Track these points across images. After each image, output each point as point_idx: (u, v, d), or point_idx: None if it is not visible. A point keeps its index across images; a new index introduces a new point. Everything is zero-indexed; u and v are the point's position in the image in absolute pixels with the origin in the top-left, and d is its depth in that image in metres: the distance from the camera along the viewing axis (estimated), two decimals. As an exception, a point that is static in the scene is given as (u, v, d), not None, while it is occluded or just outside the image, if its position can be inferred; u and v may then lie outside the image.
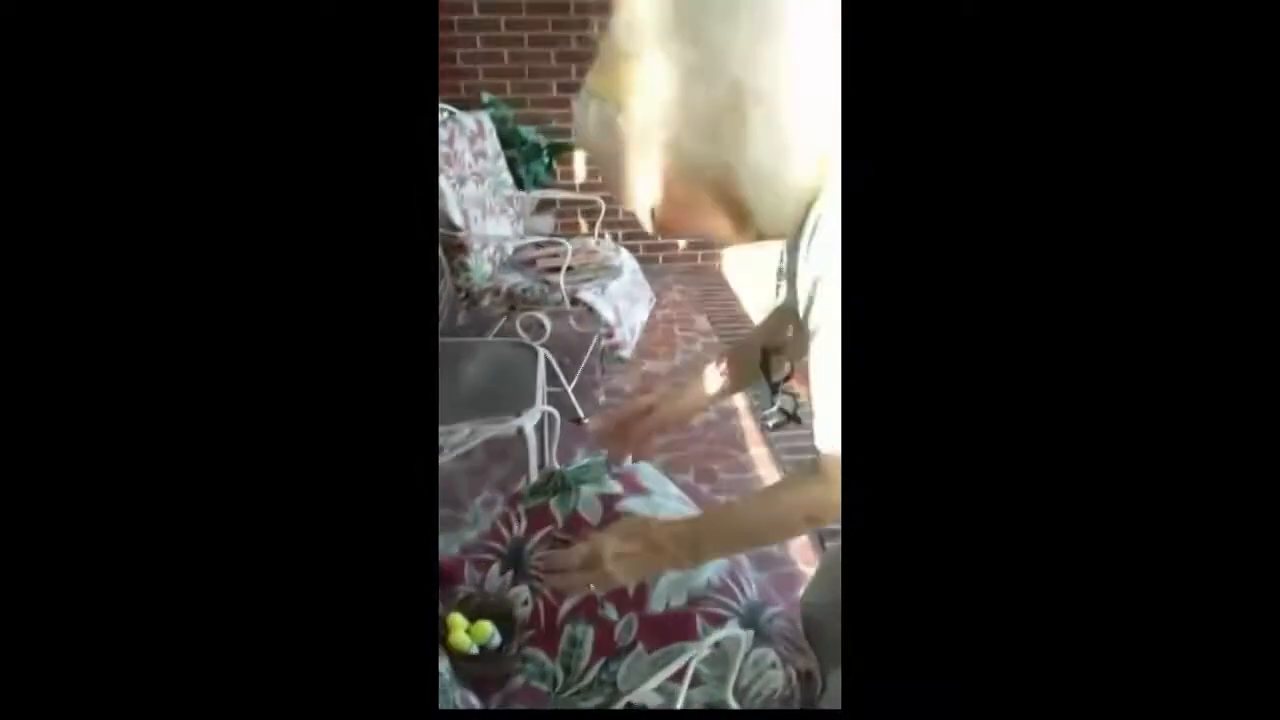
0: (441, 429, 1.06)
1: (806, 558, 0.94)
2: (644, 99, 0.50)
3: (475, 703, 0.80)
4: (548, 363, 1.78)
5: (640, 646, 0.85)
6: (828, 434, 0.56)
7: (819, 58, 0.49)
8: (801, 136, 0.51)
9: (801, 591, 0.90)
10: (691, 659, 0.67)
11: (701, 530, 0.73)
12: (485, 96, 2.94)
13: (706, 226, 0.56)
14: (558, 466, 1.16)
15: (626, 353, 2.11)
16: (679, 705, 0.66)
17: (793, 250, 0.58)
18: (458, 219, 1.94)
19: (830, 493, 0.57)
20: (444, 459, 1.02)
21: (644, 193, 0.55)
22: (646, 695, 0.65)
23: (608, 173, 0.56)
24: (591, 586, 0.78)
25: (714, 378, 0.93)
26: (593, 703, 0.80)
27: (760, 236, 0.56)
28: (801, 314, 0.56)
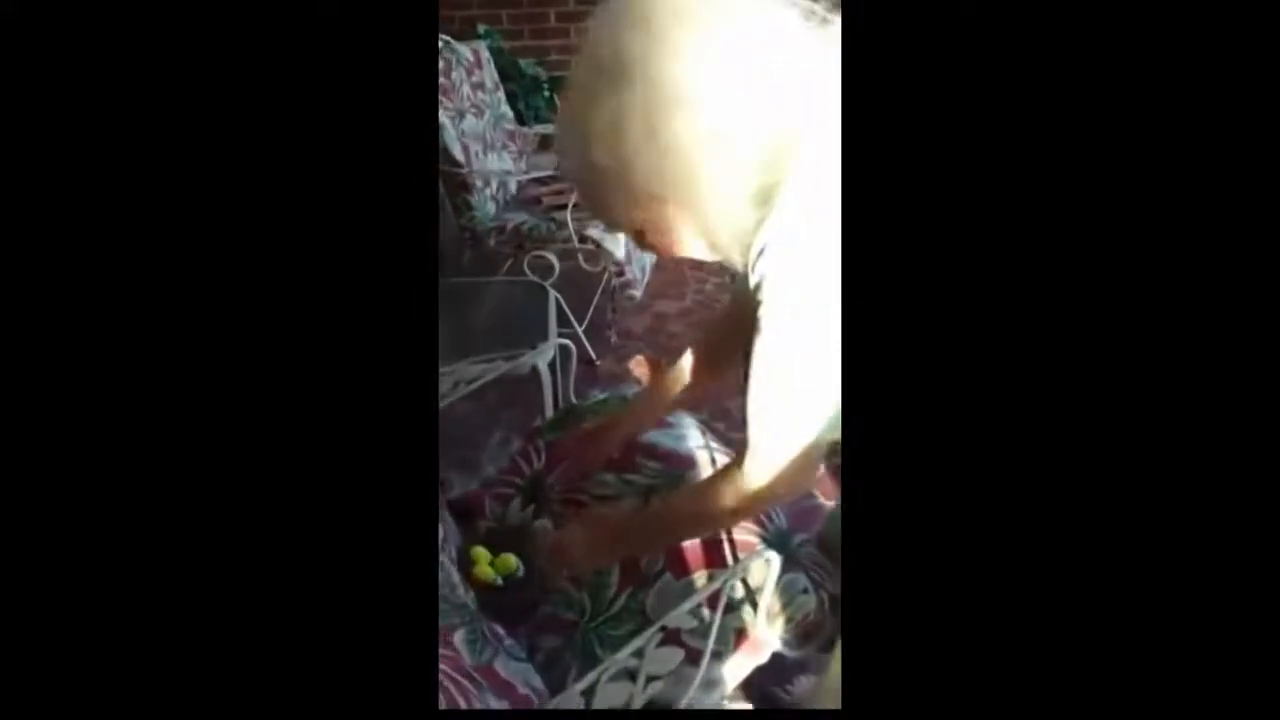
0: (453, 366, 1.03)
1: (826, 491, 0.93)
2: (608, 133, 0.52)
3: (502, 633, 0.79)
4: (558, 303, 1.74)
5: (668, 575, 0.84)
6: (759, 427, 0.59)
7: (778, 94, 0.51)
8: (756, 170, 0.53)
9: (823, 524, 0.89)
10: (725, 582, 0.65)
11: (640, 524, 0.79)
12: (480, 28, 2.81)
13: (685, 248, 0.59)
14: (574, 401, 1.14)
15: (637, 292, 2.06)
16: (713, 631, 0.65)
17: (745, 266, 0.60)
18: (458, 154, 1.87)
19: (750, 484, 0.61)
20: (456, 397, 0.99)
21: (624, 219, 0.58)
22: (680, 618, 0.64)
23: (586, 201, 0.59)
24: (563, 573, 0.81)
25: (669, 383, 0.92)
26: (623, 630, 0.79)
27: (723, 256, 0.59)
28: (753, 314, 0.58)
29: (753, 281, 0.56)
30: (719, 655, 0.72)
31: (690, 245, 0.59)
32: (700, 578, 0.81)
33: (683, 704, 0.62)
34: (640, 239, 0.61)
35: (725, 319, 0.92)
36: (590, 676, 0.58)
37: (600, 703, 0.57)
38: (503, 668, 0.63)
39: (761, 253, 0.55)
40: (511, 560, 0.88)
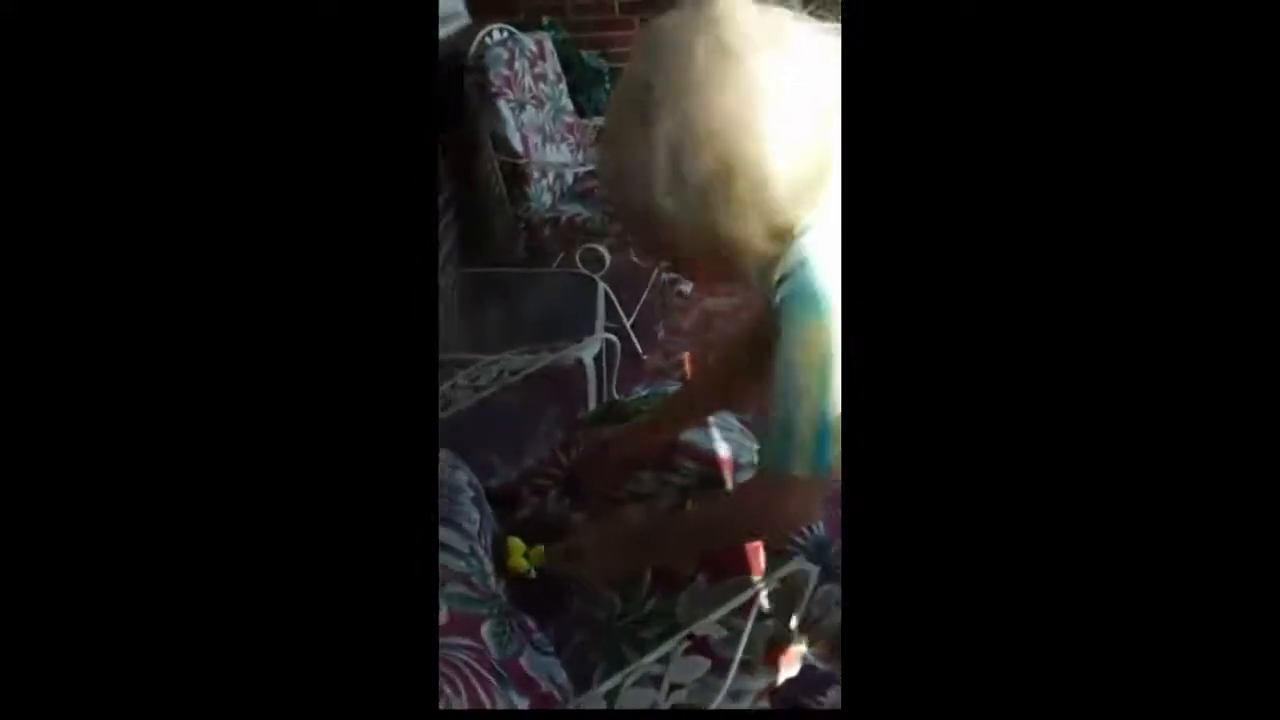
0: (499, 356, 1.04)
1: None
2: (638, 172, 0.53)
3: (532, 626, 0.80)
4: (607, 296, 1.74)
5: (701, 579, 0.82)
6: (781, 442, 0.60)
7: (806, 126, 0.52)
8: (783, 205, 0.54)
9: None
10: (759, 592, 0.64)
11: (663, 532, 0.79)
12: (545, 19, 2.82)
13: (710, 279, 0.67)
14: (617, 396, 1.14)
15: (687, 288, 2.04)
16: (743, 640, 0.64)
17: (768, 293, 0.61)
18: (517, 145, 1.89)
19: (780, 505, 0.63)
20: (499, 386, 1.00)
21: (653, 251, 0.64)
22: (709, 627, 0.62)
23: (631, 235, 0.67)
24: (581, 575, 0.81)
25: (712, 383, 0.92)
26: (651, 633, 0.78)
27: (746, 285, 0.64)
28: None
29: (774, 304, 0.59)
30: (748, 665, 0.70)
31: (716, 276, 0.63)
32: (734, 585, 0.80)
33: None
34: (670, 268, 0.65)
35: (753, 330, 0.91)
36: (615, 679, 0.58)
37: (624, 704, 0.56)
38: (528, 662, 0.63)
39: (782, 280, 0.57)
40: (545, 552, 0.88)
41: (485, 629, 0.63)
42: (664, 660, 0.58)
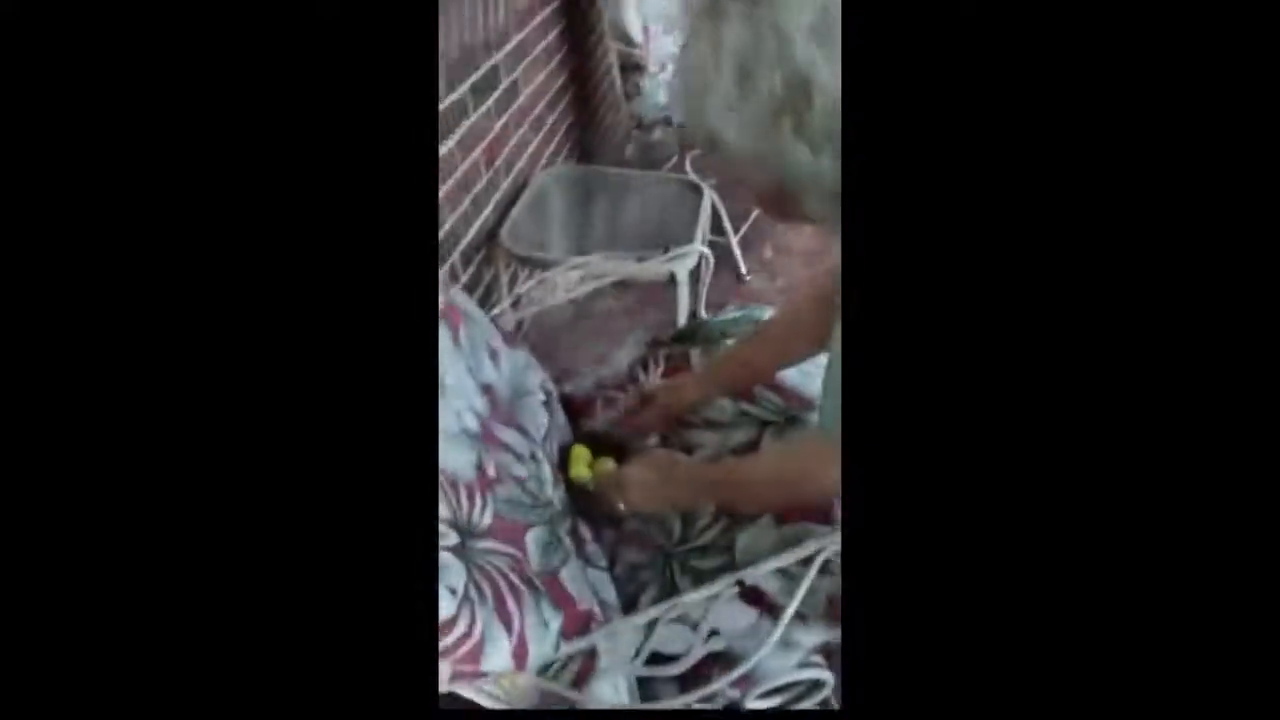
0: (586, 259, 0.99)
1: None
2: (706, 85, 0.48)
3: (587, 536, 0.78)
4: (714, 208, 1.63)
5: (769, 518, 0.77)
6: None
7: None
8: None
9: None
10: (824, 548, 0.57)
11: (716, 478, 0.73)
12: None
13: (796, 216, 0.55)
14: (705, 316, 1.07)
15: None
16: (802, 590, 0.58)
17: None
18: (636, 33, 1.75)
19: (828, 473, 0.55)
20: (581, 291, 0.96)
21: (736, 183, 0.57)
22: (763, 578, 0.57)
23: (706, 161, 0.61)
24: (620, 506, 0.76)
25: (776, 340, 0.82)
26: (709, 564, 0.75)
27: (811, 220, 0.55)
28: None
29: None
30: (803, 618, 0.65)
31: (782, 212, 0.54)
32: (802, 531, 0.74)
33: (752, 661, 0.57)
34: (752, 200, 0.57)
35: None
36: (652, 612, 0.54)
37: (658, 643, 0.53)
38: (569, 577, 0.61)
39: None
40: (610, 465, 0.85)
41: (530, 537, 0.61)
42: (710, 602, 0.54)
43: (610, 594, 0.72)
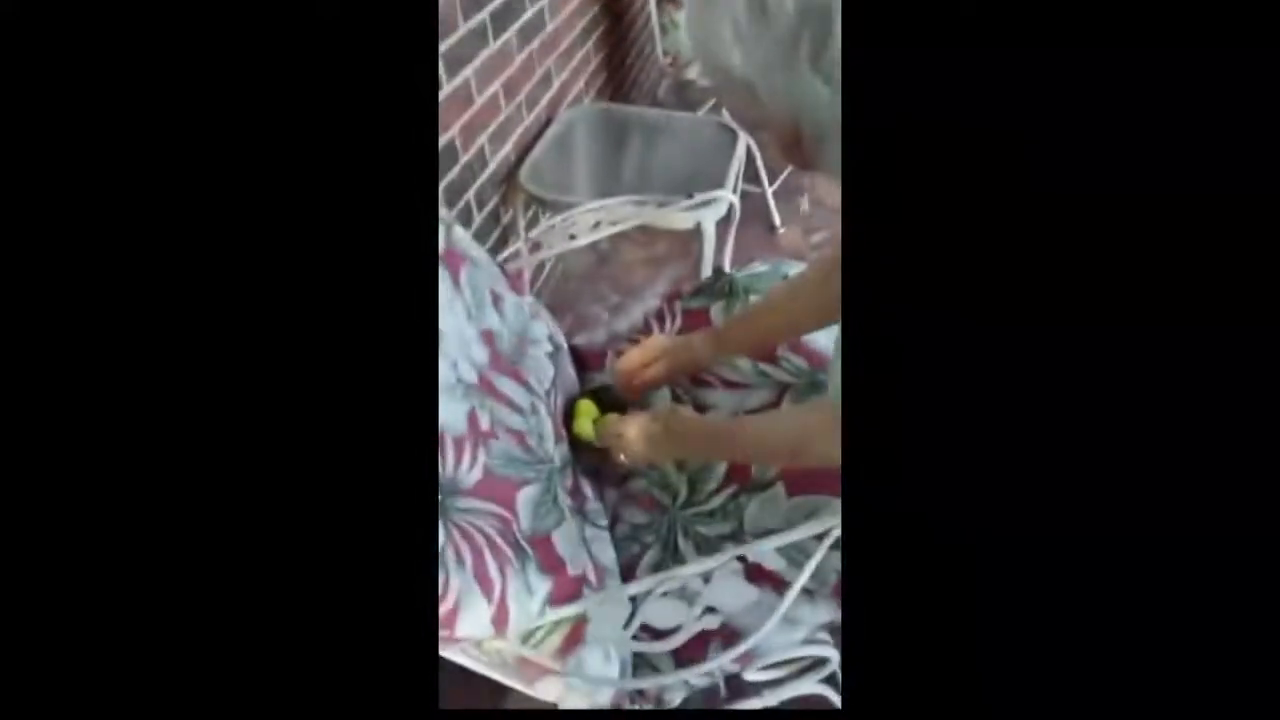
0: (603, 203, 0.93)
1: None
2: (719, 11, 0.43)
3: (589, 494, 0.75)
4: (749, 153, 1.53)
5: (780, 486, 0.73)
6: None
7: None
8: None
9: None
10: (835, 526, 0.53)
11: (721, 435, 0.69)
12: None
13: (813, 165, 0.49)
14: (729, 269, 1.00)
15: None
16: (811, 566, 0.54)
17: None
18: (675, -38, 1.63)
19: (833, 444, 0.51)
20: (597, 236, 0.90)
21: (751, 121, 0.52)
22: (768, 555, 0.53)
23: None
24: (621, 457, 0.73)
25: (803, 301, 0.74)
26: (714, 531, 0.71)
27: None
28: None
29: None
30: (810, 594, 0.61)
31: (798, 160, 0.48)
32: (815, 504, 0.69)
33: (753, 640, 0.53)
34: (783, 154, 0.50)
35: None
36: (647, 582, 0.50)
37: (650, 616, 0.50)
38: (562, 539, 0.58)
39: None
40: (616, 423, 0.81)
41: (522, 495, 0.58)
42: (706, 577, 0.50)
43: (608, 556, 0.69)
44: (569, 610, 0.50)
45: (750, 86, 0.44)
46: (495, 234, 1.32)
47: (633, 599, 0.50)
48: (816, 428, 0.58)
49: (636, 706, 0.53)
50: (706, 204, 1.06)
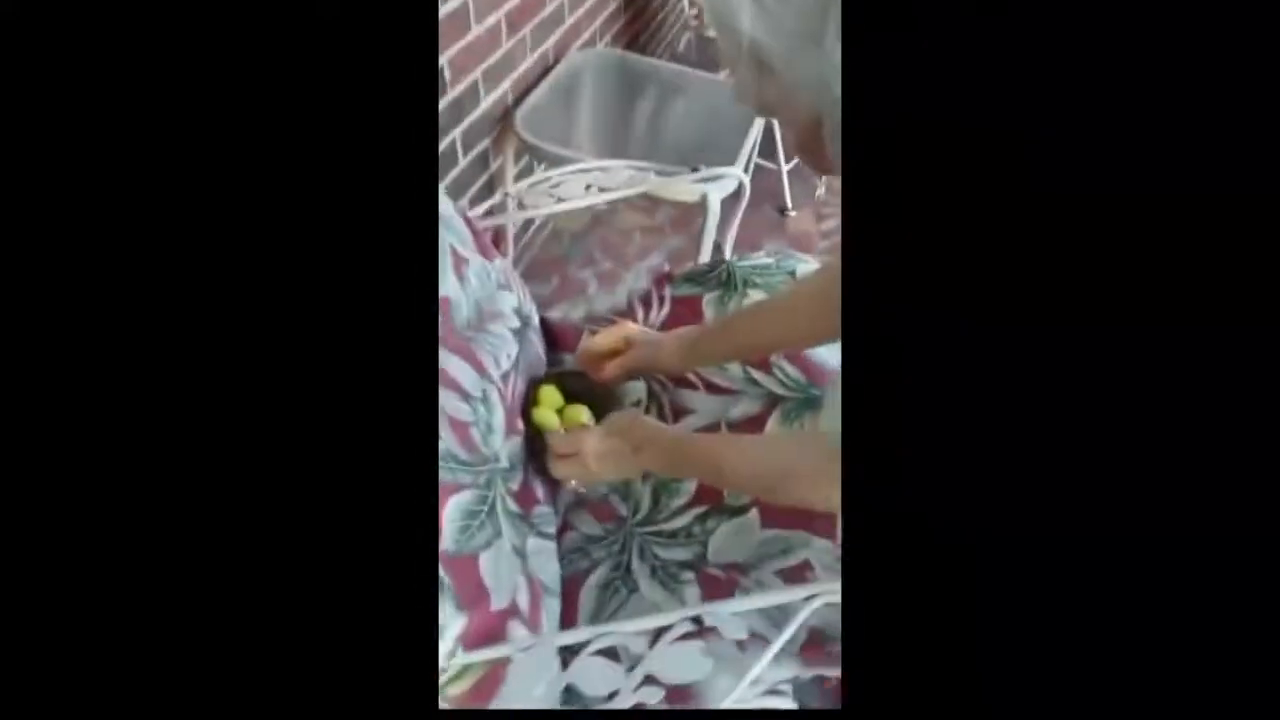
0: (605, 163, 0.82)
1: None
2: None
3: (541, 496, 0.66)
4: (768, 126, 1.42)
5: (754, 514, 0.64)
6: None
7: None
8: None
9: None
10: (818, 596, 0.44)
11: (687, 453, 0.60)
12: None
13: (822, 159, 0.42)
14: (729, 256, 0.91)
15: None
16: (777, 645, 0.46)
17: None
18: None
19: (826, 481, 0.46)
20: (585, 203, 0.79)
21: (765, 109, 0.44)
22: (728, 622, 0.44)
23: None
24: (573, 482, 0.66)
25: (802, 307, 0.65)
26: (673, 555, 0.63)
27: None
28: None
29: None
30: (776, 656, 0.53)
31: (810, 153, 0.41)
32: (791, 540, 0.61)
33: (701, 704, 0.45)
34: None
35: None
36: (581, 633, 0.42)
37: (575, 676, 0.41)
38: (491, 562, 0.49)
39: None
40: (583, 415, 0.72)
41: (451, 505, 0.49)
42: (653, 639, 0.42)
43: (550, 571, 0.61)
44: (485, 655, 0.42)
45: (760, 58, 0.37)
46: (480, 181, 1.20)
47: (565, 651, 0.42)
48: (803, 469, 0.50)
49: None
50: (712, 179, 0.95)
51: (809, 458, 0.51)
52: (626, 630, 0.42)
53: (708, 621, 0.42)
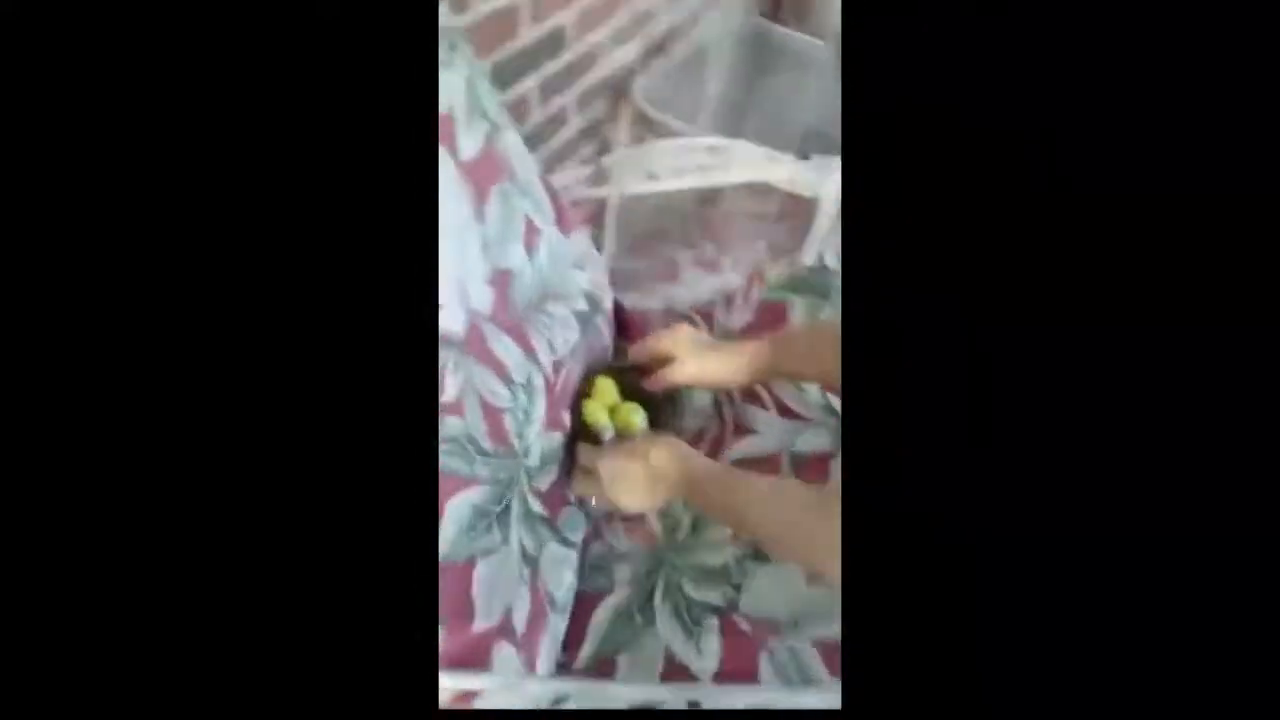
0: (686, 141, 0.74)
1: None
2: None
3: (572, 496, 0.61)
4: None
5: (795, 569, 0.56)
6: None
7: None
8: None
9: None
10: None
11: (709, 493, 0.53)
12: None
13: None
14: (829, 263, 0.81)
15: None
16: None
17: None
18: None
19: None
20: (677, 185, 0.71)
21: None
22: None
23: None
24: (594, 500, 0.61)
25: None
26: (702, 596, 0.56)
27: None
28: None
29: None
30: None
31: None
32: (830, 600, 0.53)
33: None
34: None
35: None
36: (567, 686, 0.37)
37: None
38: (488, 572, 0.44)
39: None
40: (636, 417, 0.66)
41: (456, 502, 0.45)
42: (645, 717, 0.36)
43: (564, 582, 0.56)
44: (459, 681, 0.38)
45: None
46: (590, 147, 1.15)
47: (555, 702, 0.37)
48: (806, 523, 0.43)
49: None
50: (820, 166, 0.84)
51: (816, 518, 0.43)
52: (615, 695, 0.36)
53: (704, 704, 0.36)
